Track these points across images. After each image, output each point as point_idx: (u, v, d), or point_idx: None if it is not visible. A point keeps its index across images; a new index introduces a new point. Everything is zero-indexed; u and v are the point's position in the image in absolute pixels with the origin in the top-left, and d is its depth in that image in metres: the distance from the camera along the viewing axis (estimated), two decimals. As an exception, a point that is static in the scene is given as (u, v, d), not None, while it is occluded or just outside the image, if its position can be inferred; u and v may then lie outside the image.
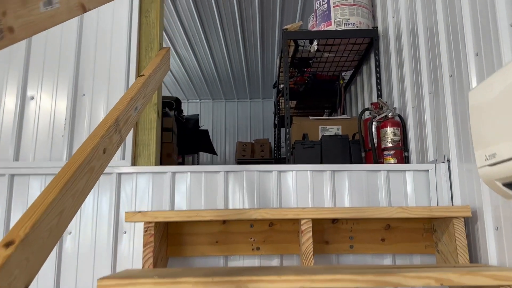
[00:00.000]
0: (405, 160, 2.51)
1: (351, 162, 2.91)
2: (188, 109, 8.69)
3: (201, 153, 8.35)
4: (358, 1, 3.11)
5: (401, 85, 2.64)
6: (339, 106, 3.98)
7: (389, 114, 2.55)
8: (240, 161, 7.96)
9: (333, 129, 3.30)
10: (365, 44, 3.26)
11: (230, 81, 7.71)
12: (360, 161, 2.90)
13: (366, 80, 3.51)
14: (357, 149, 2.93)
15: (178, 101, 5.77)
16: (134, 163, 2.10)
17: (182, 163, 6.80)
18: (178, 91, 8.23)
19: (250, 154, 7.91)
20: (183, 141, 6.44)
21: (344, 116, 3.44)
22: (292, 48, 3.33)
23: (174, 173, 2.04)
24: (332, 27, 3.09)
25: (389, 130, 2.48)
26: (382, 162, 2.51)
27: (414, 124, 2.44)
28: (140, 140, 2.12)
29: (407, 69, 2.53)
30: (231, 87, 8.06)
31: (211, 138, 8.45)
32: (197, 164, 7.97)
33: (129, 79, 2.17)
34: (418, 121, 2.38)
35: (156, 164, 2.13)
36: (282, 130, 7.35)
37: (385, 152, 2.48)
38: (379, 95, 3.00)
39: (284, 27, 3.04)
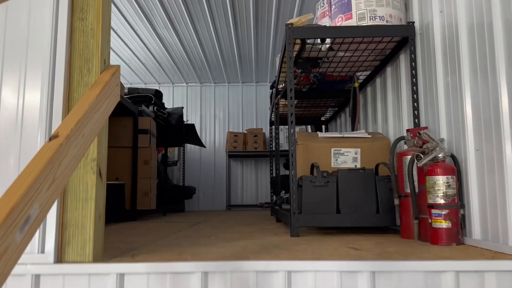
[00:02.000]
0: (462, 221, 1.78)
1: (377, 209, 2.18)
2: (174, 93, 7.84)
3: (187, 145, 7.58)
4: (387, -15, 2.31)
5: (455, 109, 1.88)
6: (352, 113, 3.21)
7: (440, 155, 1.80)
8: (231, 154, 7.21)
9: (350, 153, 2.56)
10: (394, 43, 2.48)
11: (220, 64, 6.86)
12: (390, 206, 2.17)
13: (391, 85, 2.74)
14: (386, 189, 2.20)
15: (158, 94, 4.97)
16: (59, 257, 1.35)
17: (165, 155, 6.04)
18: (162, 75, 7.36)
19: (242, 145, 7.15)
20: (165, 136, 5.68)
21: (363, 134, 2.68)
22: (297, 46, 2.54)
23: (122, 276, 1.30)
24: (353, 21, 2.29)
25: (441, 180, 1.74)
26: (428, 222, 1.78)
27: (479, 174, 1.70)
28: (69, 218, 1.35)
29: (467, 88, 1.77)
30: (220, 71, 7.21)
31: (199, 127, 7.67)
32: (184, 157, 7.21)
33: (52, 123, 1.38)
34: (487, 171, 1.64)
35: (95, 257, 1.37)
36: (281, 127, 6.59)
37: (434, 211, 1.74)
38: (416, 116, 2.24)
39: (288, 22, 2.24)
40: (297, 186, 2.24)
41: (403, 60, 2.51)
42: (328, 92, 3.50)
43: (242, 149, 7.11)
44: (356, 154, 2.55)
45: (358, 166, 2.55)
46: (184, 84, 7.88)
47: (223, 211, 6.97)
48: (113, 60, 6.56)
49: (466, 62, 1.78)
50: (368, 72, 3.09)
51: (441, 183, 1.74)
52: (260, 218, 3.99)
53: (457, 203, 1.73)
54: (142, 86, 7.88)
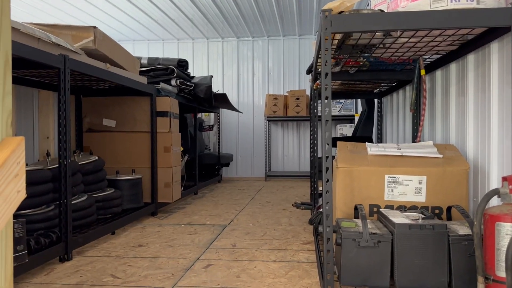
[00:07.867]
0: None
1: (450, 282, 1.53)
2: (209, 49, 7.13)
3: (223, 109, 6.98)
4: None
5: None
6: (415, 108, 2.46)
7: None
8: (270, 119, 6.56)
9: (411, 183, 1.87)
10: (484, 28, 1.69)
11: (257, 17, 6.03)
12: (469, 280, 1.51)
13: (473, 81, 1.97)
14: (463, 254, 1.53)
15: (181, 63, 4.32)
16: None
17: (195, 120, 5.41)
18: (195, 31, 6.64)
19: (282, 109, 6.46)
20: (193, 106, 5.10)
21: (431, 149, 1.97)
22: (339, 35, 1.81)
23: None
24: (424, 3, 1.52)
25: None
26: None
27: None
28: None
29: None
30: (258, 25, 6.38)
31: (236, 86, 7.02)
32: (219, 121, 6.63)
33: None
34: None
35: None
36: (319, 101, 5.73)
37: None
38: (517, 149, 1.50)
39: (325, 7, 1.50)
40: (335, 243, 1.62)
41: (495, 52, 1.73)
42: (383, 74, 2.74)
43: (282, 114, 6.44)
44: (420, 183, 1.86)
45: (423, 199, 1.87)
46: (220, 39, 7.15)
47: (262, 181, 6.45)
48: (141, 17, 5.93)
49: None
50: (438, 56, 2.29)
51: None
52: (297, 220, 3.42)
53: None
54: (175, 42, 7.23)
